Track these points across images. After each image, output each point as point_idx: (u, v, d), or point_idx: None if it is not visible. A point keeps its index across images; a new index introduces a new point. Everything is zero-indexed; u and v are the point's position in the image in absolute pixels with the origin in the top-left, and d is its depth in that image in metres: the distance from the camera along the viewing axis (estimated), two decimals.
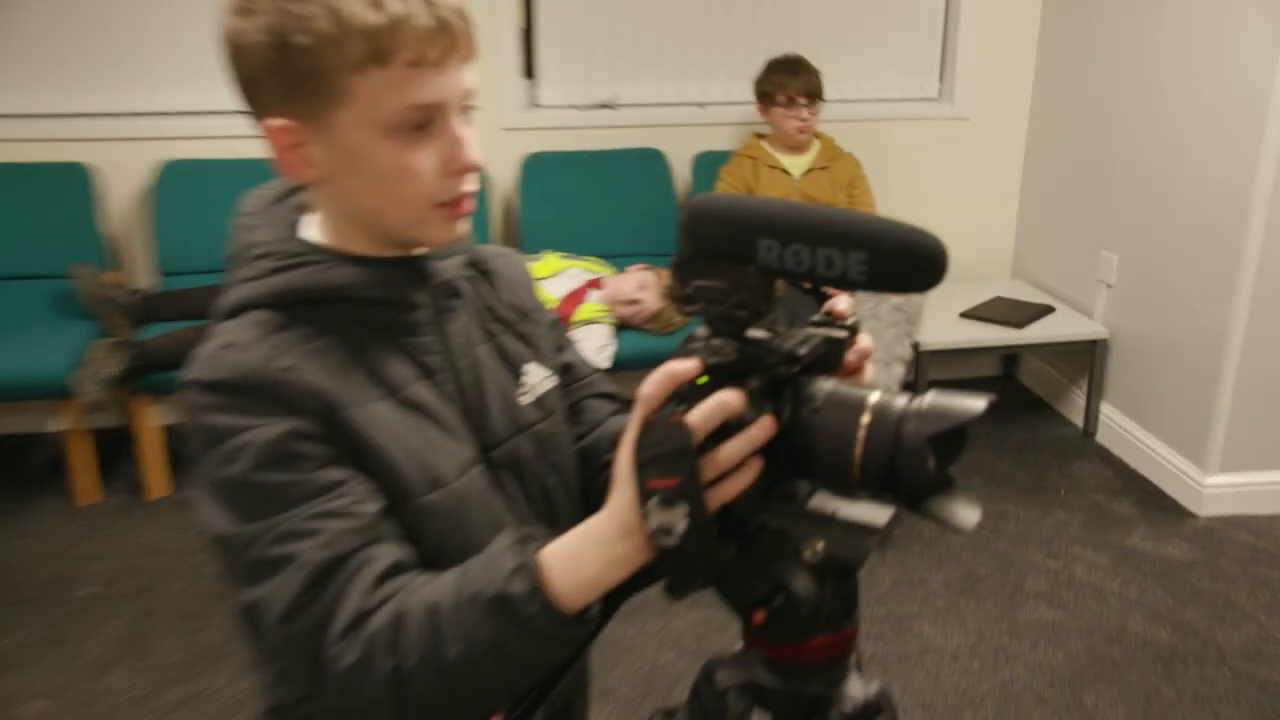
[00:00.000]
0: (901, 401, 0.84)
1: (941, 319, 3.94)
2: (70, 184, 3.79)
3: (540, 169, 4.06)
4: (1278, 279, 3.30)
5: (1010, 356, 4.62)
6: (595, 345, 3.53)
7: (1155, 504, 3.62)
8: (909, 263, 0.83)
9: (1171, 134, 3.59)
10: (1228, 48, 3.32)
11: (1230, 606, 3.09)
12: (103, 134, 3.86)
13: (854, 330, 0.94)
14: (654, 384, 0.84)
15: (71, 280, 3.62)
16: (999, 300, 4.14)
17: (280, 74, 0.95)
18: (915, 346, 3.73)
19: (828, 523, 0.86)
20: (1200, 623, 3.02)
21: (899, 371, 3.53)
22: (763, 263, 0.86)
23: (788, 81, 3.73)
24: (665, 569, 0.88)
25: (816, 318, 0.93)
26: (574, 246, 3.91)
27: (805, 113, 3.75)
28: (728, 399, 0.83)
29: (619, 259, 3.90)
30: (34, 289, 3.73)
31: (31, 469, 3.84)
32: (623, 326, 3.67)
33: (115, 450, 3.91)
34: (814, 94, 3.74)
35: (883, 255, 0.83)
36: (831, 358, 0.92)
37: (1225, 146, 3.34)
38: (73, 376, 3.32)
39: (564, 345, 1.27)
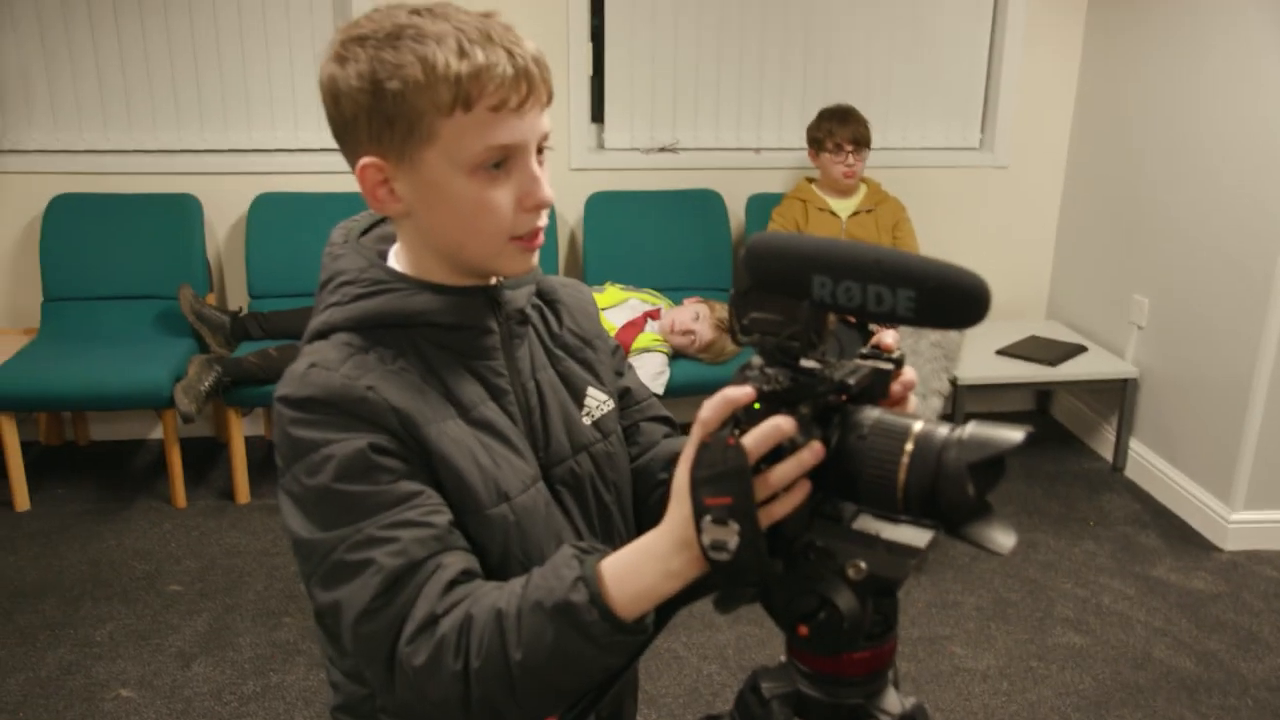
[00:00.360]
0: (944, 431, 0.83)
1: (979, 355, 3.90)
2: (182, 213, 3.87)
3: (604, 206, 4.08)
4: None
5: (1044, 392, 4.56)
6: (651, 372, 3.54)
7: (1181, 537, 3.55)
8: (954, 300, 0.82)
9: (1202, 184, 3.54)
10: (1260, 100, 3.27)
11: (1254, 638, 3.01)
12: (208, 168, 3.95)
13: (899, 363, 0.94)
14: (712, 408, 0.85)
15: (175, 301, 3.71)
16: (1034, 339, 4.09)
17: (372, 116, 0.97)
18: (953, 381, 3.70)
19: (871, 543, 0.86)
20: (1224, 653, 2.94)
21: (937, 405, 3.50)
22: (816, 297, 0.86)
23: (836, 129, 3.73)
24: (717, 582, 0.88)
25: (865, 350, 0.92)
26: (634, 279, 3.92)
27: (851, 159, 3.74)
28: (780, 424, 0.82)
29: (675, 292, 3.91)
30: (144, 307, 3.82)
31: (133, 473, 3.91)
32: (677, 355, 3.68)
33: (207, 458, 3.97)
34: (860, 142, 3.73)
35: (929, 293, 0.82)
36: (878, 388, 0.92)
37: (1254, 196, 3.29)
38: (173, 388, 3.39)
39: (623, 371, 1.27)
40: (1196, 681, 2.82)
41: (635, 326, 3.65)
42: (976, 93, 4.31)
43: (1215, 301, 3.49)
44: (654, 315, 3.72)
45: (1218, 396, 3.48)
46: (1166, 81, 3.72)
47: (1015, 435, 0.82)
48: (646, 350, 3.60)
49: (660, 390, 3.53)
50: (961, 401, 3.74)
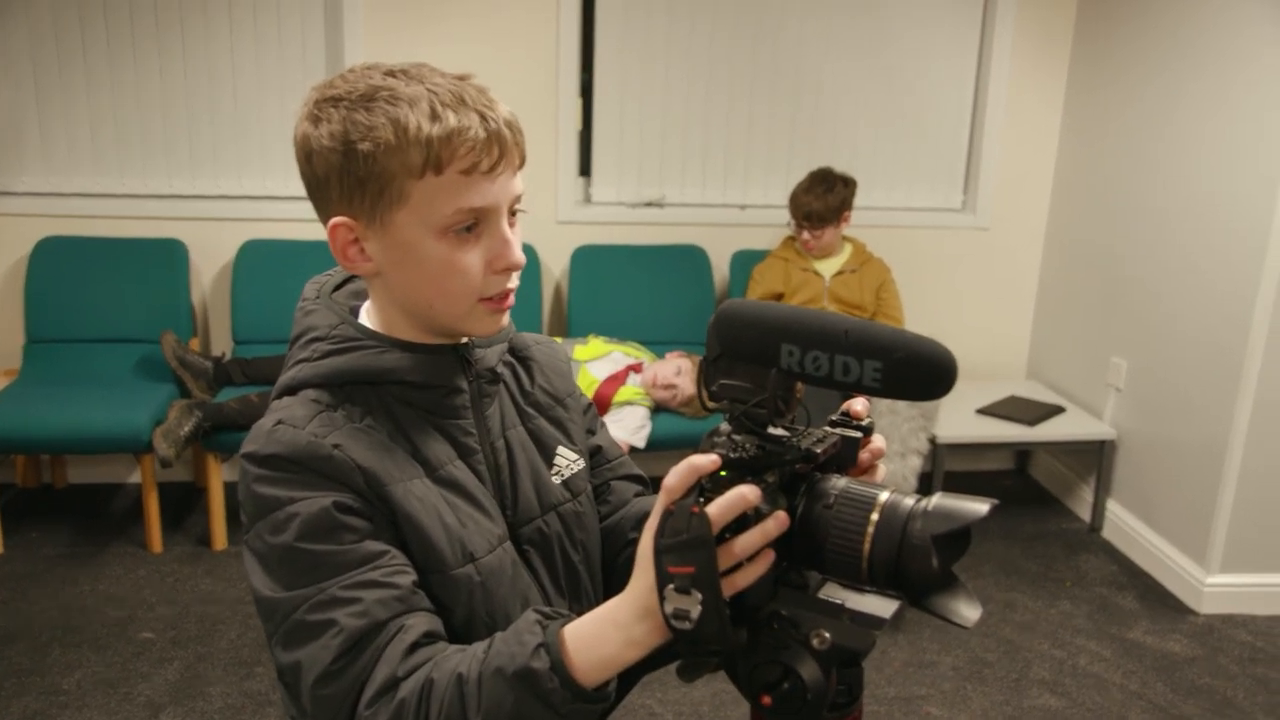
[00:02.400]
0: (909, 502, 0.83)
1: (959, 414, 3.90)
2: (168, 258, 3.86)
3: (590, 260, 4.09)
4: (1278, 388, 3.26)
5: (1023, 452, 4.56)
6: (633, 425, 3.53)
7: (1158, 600, 3.53)
8: (920, 373, 0.83)
9: (1179, 249, 3.57)
10: (1233, 170, 3.31)
11: (1228, 704, 2.99)
12: (198, 214, 3.96)
13: (868, 431, 0.94)
14: (677, 475, 0.84)
15: (158, 345, 3.69)
16: (1014, 399, 4.10)
17: (344, 176, 0.97)
18: (932, 440, 3.69)
19: (836, 613, 0.85)
20: (1199, 718, 2.92)
21: (915, 464, 3.49)
22: (784, 366, 0.86)
23: (794, 202, 3.74)
24: (680, 651, 0.87)
25: (834, 417, 0.92)
26: (618, 332, 3.92)
27: (805, 234, 3.74)
28: (745, 493, 0.82)
29: (659, 346, 3.91)
30: (126, 351, 3.79)
31: (110, 517, 3.86)
32: (659, 409, 3.67)
33: (185, 503, 3.93)
34: (814, 218, 3.69)
35: (895, 365, 0.83)
36: (846, 456, 0.92)
37: (1229, 262, 3.32)
38: (152, 433, 3.36)
39: (595, 429, 1.27)
40: None
41: (617, 380, 3.64)
42: (960, 156, 4.36)
43: (1191, 366, 3.51)
44: (636, 369, 3.72)
45: (1194, 460, 3.49)
46: (1145, 148, 3.77)
47: (980, 508, 0.82)
48: (628, 403, 3.59)
49: (642, 444, 3.52)
50: (941, 460, 3.74)
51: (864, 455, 0.93)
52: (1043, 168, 4.34)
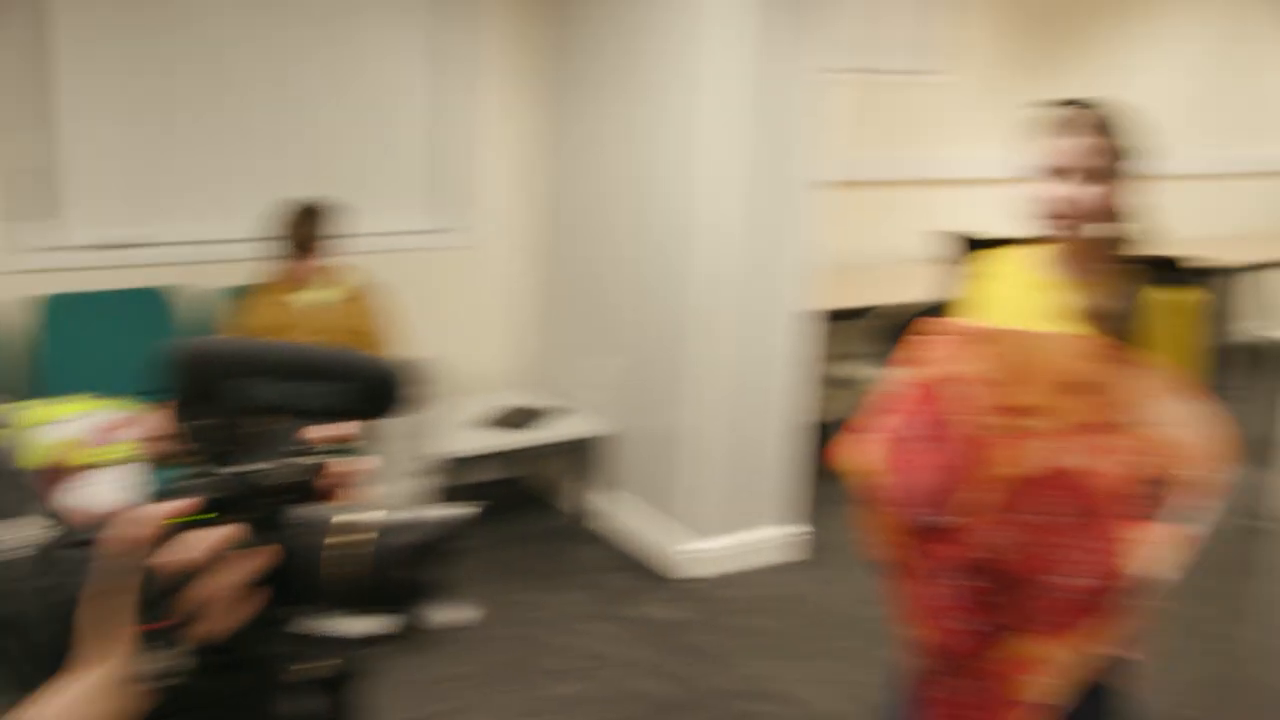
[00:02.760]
0: (388, 516, 0.85)
1: (457, 429, 4.02)
2: None
3: (64, 311, 3.71)
4: (710, 380, 3.76)
5: (524, 457, 4.71)
6: (126, 483, 3.23)
7: (651, 575, 3.86)
8: (389, 392, 0.85)
9: (638, 259, 4.00)
10: (667, 189, 3.78)
11: (724, 655, 3.34)
12: None
13: (335, 454, 0.93)
14: (130, 527, 0.79)
15: None
16: (512, 408, 4.29)
17: None
18: (430, 457, 3.73)
19: (323, 643, 0.85)
20: (698, 673, 3.23)
21: (411, 484, 3.52)
22: (246, 400, 0.84)
23: (277, 233, 3.65)
24: (169, 711, 0.82)
25: (297, 447, 0.91)
26: (104, 386, 3.56)
27: (290, 264, 3.67)
28: (215, 535, 0.79)
29: (150, 396, 3.62)
30: None
31: None
32: (157, 462, 3.39)
33: None
34: (296, 247, 3.65)
35: (365, 388, 0.84)
36: (320, 484, 0.91)
37: (669, 269, 3.83)
38: None
39: (34, 496, 1.13)
40: (681, 704, 3.08)
41: (107, 436, 3.32)
42: (446, 179, 4.47)
43: (657, 362, 3.96)
44: (127, 423, 3.41)
45: (667, 445, 3.94)
46: (609, 165, 4.15)
47: (455, 513, 0.85)
48: (121, 461, 3.28)
49: (140, 500, 3.21)
50: (442, 475, 3.81)
51: (331, 481, 0.92)
52: (526, 186, 4.57)
